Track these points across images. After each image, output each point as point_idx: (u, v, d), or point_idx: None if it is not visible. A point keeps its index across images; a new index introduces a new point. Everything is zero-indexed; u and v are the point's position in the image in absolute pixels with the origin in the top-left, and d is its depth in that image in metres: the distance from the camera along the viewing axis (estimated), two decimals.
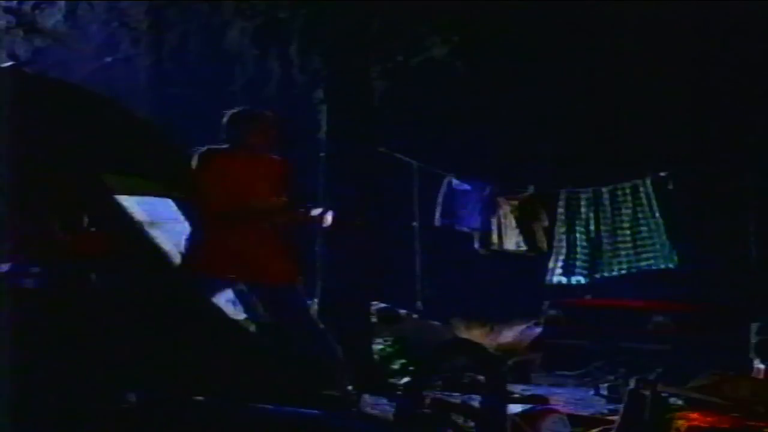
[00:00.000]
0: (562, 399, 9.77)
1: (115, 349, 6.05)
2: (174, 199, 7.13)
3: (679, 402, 7.36)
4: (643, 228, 12.24)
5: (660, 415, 6.89)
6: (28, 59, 13.79)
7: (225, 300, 6.89)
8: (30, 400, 5.83)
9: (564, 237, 12.42)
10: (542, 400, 8.98)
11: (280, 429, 6.13)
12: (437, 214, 12.94)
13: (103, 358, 6.03)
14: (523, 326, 14.30)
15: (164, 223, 7.04)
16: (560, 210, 12.47)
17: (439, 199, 12.93)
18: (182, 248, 6.90)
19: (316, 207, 7.35)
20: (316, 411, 6.29)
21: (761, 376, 8.98)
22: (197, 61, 21.46)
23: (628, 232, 12.31)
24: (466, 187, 12.90)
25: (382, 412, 7.77)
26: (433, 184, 13.02)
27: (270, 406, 6.18)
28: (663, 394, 7.06)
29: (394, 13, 11.51)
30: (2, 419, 5.68)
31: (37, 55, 14.57)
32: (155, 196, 7.05)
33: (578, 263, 12.43)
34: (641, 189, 12.24)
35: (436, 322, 13.07)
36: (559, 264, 12.44)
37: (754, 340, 10.74)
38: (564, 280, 12.50)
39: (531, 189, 12.68)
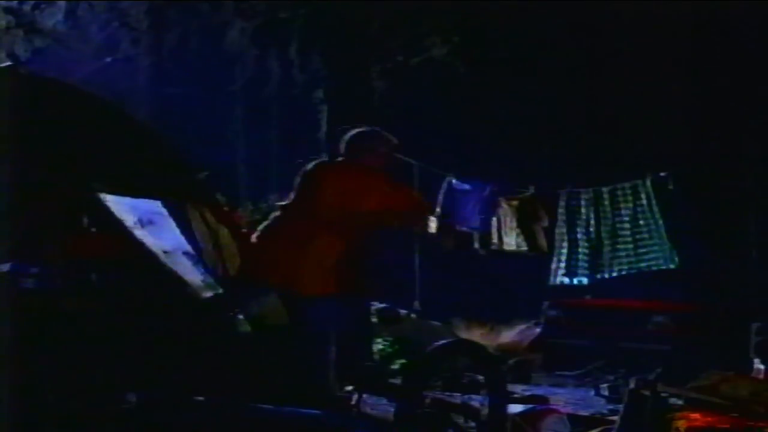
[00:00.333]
0: (562, 399, 9.75)
1: (115, 349, 6.05)
2: (166, 201, 7.13)
3: (679, 402, 7.36)
4: (643, 228, 12.24)
5: (660, 415, 6.88)
6: (28, 59, 13.81)
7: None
8: (30, 401, 5.83)
9: (564, 237, 12.42)
10: (542, 400, 8.97)
11: (280, 429, 6.13)
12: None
13: (103, 358, 6.03)
14: (523, 326, 14.29)
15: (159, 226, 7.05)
16: (560, 210, 12.47)
17: (439, 199, 12.93)
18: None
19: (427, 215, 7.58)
20: (316, 411, 6.29)
21: (761, 376, 8.98)
22: (197, 61, 21.45)
23: (628, 232, 12.31)
24: (466, 187, 12.89)
25: (382, 412, 7.76)
26: (433, 184, 13.01)
27: (270, 406, 6.18)
28: (663, 394, 7.05)
29: (394, 13, 11.53)
30: (2, 420, 5.68)
31: (37, 55, 14.58)
32: (151, 197, 7.05)
33: (579, 263, 12.43)
34: (641, 189, 12.23)
35: (436, 322, 13.06)
36: (562, 265, 12.44)
37: (754, 340, 10.75)
38: (567, 280, 12.50)
39: (531, 189, 12.67)
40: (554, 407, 7.96)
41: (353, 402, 7.00)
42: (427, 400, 6.69)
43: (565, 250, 12.42)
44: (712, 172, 16.37)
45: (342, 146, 7.32)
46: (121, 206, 6.70)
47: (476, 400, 6.97)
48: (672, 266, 12.24)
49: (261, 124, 23.94)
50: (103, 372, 6.02)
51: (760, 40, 16.90)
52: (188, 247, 7.13)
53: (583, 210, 12.43)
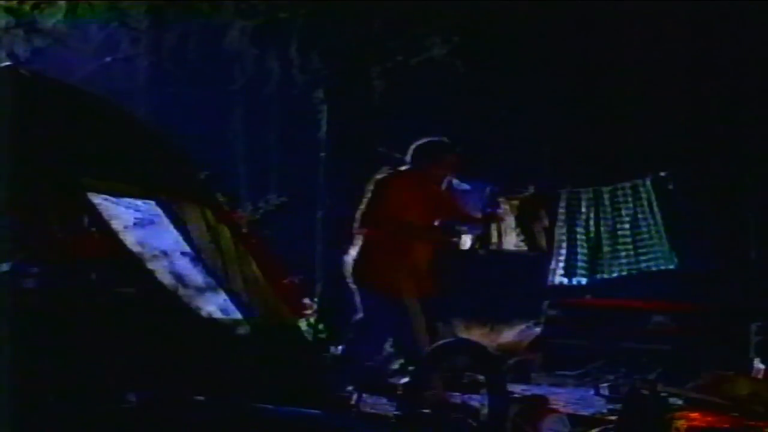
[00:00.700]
0: (562, 399, 9.75)
1: (115, 349, 6.05)
2: (166, 201, 7.13)
3: (679, 402, 7.36)
4: (643, 228, 12.23)
5: (660, 415, 6.89)
6: (28, 59, 13.79)
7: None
8: (30, 400, 5.82)
9: (564, 237, 12.41)
10: (542, 400, 8.96)
11: (280, 429, 6.13)
12: None
13: (103, 358, 6.02)
14: (523, 326, 14.30)
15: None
16: (560, 210, 12.46)
17: None
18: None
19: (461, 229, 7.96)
20: (316, 411, 6.29)
21: (761, 376, 8.98)
22: (197, 61, 21.44)
23: (628, 232, 12.30)
24: (466, 187, 12.88)
25: (382, 412, 7.76)
26: None
27: (270, 406, 6.18)
28: (663, 394, 7.06)
29: (394, 13, 11.53)
30: (2, 419, 5.68)
31: (37, 55, 14.56)
32: (151, 197, 7.05)
33: (579, 263, 12.42)
34: (641, 189, 12.22)
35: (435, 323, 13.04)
36: (560, 264, 12.43)
37: (754, 340, 10.75)
38: (565, 280, 12.49)
39: (531, 189, 12.66)
40: (554, 407, 7.96)
41: (353, 402, 7.01)
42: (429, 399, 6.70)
43: (564, 250, 12.42)
44: (712, 172, 16.36)
45: (409, 155, 7.78)
46: (120, 206, 6.69)
47: (476, 400, 6.97)
48: (672, 266, 12.23)
49: (261, 124, 23.95)
50: (102, 372, 6.01)
51: (760, 40, 16.89)
52: (188, 248, 7.13)
53: (583, 210, 12.42)
